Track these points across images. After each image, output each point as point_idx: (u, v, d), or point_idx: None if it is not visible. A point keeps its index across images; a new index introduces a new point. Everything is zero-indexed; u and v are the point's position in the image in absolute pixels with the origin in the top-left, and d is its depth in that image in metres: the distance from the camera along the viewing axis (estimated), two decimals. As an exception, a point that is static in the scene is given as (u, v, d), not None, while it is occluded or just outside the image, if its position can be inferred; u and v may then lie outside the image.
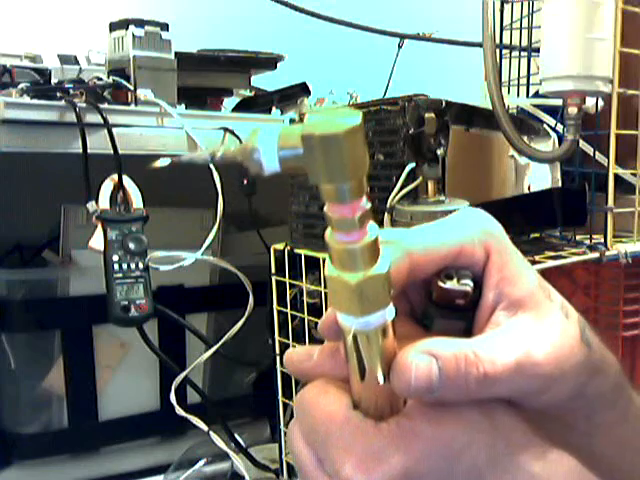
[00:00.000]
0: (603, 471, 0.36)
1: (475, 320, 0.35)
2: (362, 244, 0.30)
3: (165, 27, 1.07)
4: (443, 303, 0.35)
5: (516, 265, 0.36)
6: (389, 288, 0.31)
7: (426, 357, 0.32)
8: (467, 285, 0.35)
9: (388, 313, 0.31)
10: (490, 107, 0.80)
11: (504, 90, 0.95)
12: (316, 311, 0.84)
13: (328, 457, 0.32)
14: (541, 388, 0.34)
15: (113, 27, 1.07)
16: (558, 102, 0.89)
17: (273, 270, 0.88)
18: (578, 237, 0.86)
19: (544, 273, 0.85)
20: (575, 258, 0.77)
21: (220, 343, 0.95)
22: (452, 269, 0.35)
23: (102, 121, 0.90)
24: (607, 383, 0.38)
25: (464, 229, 0.36)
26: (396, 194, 0.70)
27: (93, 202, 0.88)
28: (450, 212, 0.59)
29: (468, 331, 0.35)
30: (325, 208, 0.30)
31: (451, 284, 0.35)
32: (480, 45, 0.83)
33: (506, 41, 1.02)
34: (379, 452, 0.31)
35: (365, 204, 0.29)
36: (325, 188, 0.29)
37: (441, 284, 0.35)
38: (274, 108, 1.30)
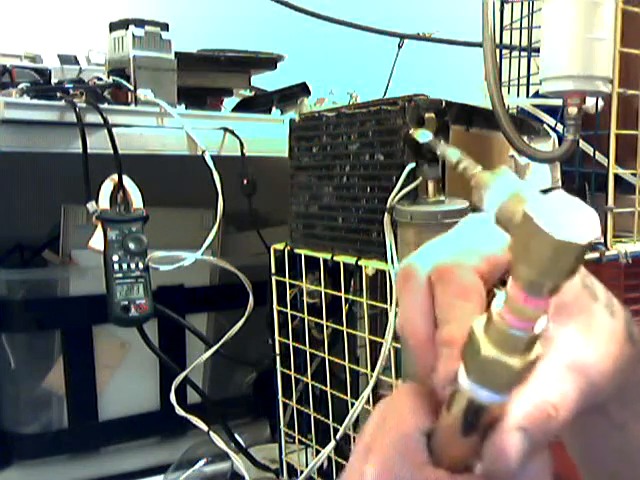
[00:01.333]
0: (637, 461, 0.36)
1: None
2: (531, 335, 0.29)
3: (165, 27, 1.07)
4: None
5: None
6: (521, 379, 0.30)
7: (517, 436, 0.30)
8: None
9: (509, 398, 0.30)
10: (490, 107, 0.80)
11: (504, 90, 0.95)
12: (316, 311, 0.84)
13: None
14: (594, 399, 0.34)
15: (113, 27, 1.07)
16: (558, 102, 0.89)
17: (273, 270, 0.88)
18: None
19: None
20: (575, 258, 0.77)
21: (220, 343, 0.95)
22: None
23: (102, 121, 0.90)
24: None
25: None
26: (396, 194, 0.70)
27: (93, 202, 0.88)
28: (450, 212, 0.59)
29: None
30: (509, 285, 0.28)
31: None
32: (480, 45, 0.83)
33: (506, 41, 1.02)
34: None
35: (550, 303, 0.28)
36: (524, 272, 0.27)
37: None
38: (274, 108, 1.30)
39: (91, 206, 0.88)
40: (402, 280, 0.35)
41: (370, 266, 0.75)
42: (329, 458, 0.84)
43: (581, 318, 0.34)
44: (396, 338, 0.71)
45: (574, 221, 0.26)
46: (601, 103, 0.82)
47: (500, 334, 0.29)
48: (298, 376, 0.89)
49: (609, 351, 0.34)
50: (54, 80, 1.11)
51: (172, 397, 0.93)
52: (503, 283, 0.34)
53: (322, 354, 0.85)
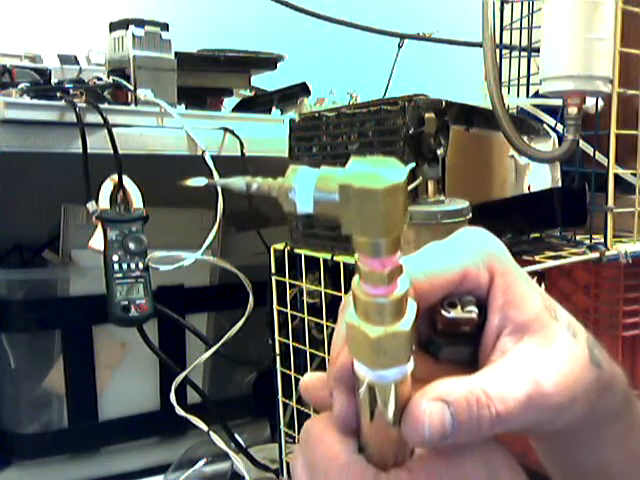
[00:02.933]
0: None
1: (481, 344, 0.35)
2: (389, 299, 0.29)
3: (165, 27, 1.07)
4: (448, 331, 0.34)
5: (521, 287, 0.35)
6: (411, 345, 0.30)
7: (438, 404, 0.31)
8: (472, 312, 0.34)
9: (407, 368, 0.31)
10: (490, 107, 0.80)
11: (504, 90, 0.95)
12: (316, 311, 0.84)
13: None
14: (553, 417, 0.33)
15: (113, 27, 1.07)
16: (558, 102, 0.89)
17: (273, 270, 0.88)
18: (578, 237, 0.86)
19: (544, 273, 0.85)
20: (575, 258, 0.77)
21: (220, 343, 0.95)
22: (455, 296, 0.34)
23: (102, 121, 0.90)
24: (616, 398, 0.37)
25: (466, 252, 0.35)
26: (396, 194, 0.69)
27: (93, 202, 0.88)
28: (450, 212, 0.59)
29: (474, 354, 0.35)
30: (355, 256, 0.29)
31: (455, 313, 0.34)
32: (480, 45, 0.83)
33: (506, 41, 1.02)
34: None
35: (397, 259, 0.29)
36: (358, 240, 0.28)
37: (445, 314, 0.34)
38: (274, 108, 1.30)
39: (91, 206, 0.88)
40: (340, 307, 0.35)
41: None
42: (329, 458, 0.84)
43: (541, 335, 0.34)
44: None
45: (374, 171, 0.27)
46: (601, 103, 0.82)
47: (367, 308, 0.29)
48: (298, 376, 0.89)
49: (569, 370, 0.33)
50: (54, 80, 1.11)
51: (172, 397, 0.93)
52: (450, 304, 0.34)
53: (322, 354, 0.85)
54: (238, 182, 0.31)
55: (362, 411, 0.32)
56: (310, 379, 0.36)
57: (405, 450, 0.33)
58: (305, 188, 0.28)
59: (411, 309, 0.30)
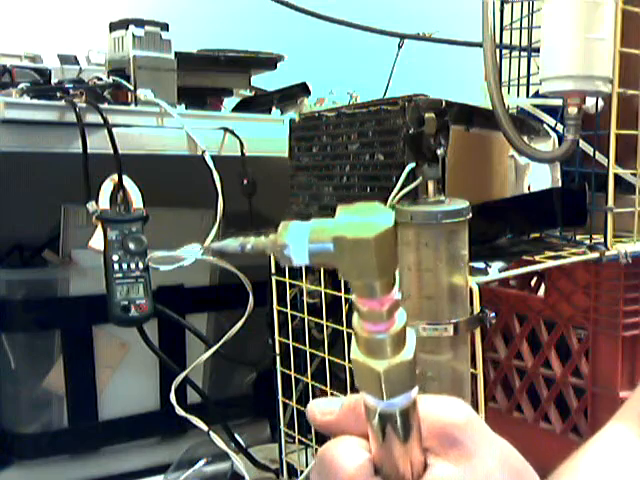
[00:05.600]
0: None
1: None
2: (389, 334, 0.30)
3: (165, 27, 1.07)
4: None
5: None
6: (414, 371, 0.32)
7: None
8: None
9: (413, 393, 0.32)
10: (490, 107, 0.80)
11: (504, 90, 0.95)
12: (316, 311, 0.84)
13: None
14: None
15: (113, 27, 1.07)
16: (558, 102, 0.89)
17: (273, 270, 0.88)
18: (578, 237, 0.86)
19: (544, 273, 0.85)
20: (575, 258, 0.77)
21: (220, 343, 0.95)
22: None
23: (102, 121, 0.90)
24: None
25: None
26: (396, 194, 0.70)
27: (93, 202, 0.88)
28: (450, 212, 0.59)
29: None
30: (353, 297, 0.30)
31: None
32: (480, 45, 0.83)
33: (506, 41, 1.02)
34: None
35: (393, 295, 0.30)
36: (354, 284, 0.29)
37: None
38: (274, 108, 1.30)
39: (91, 206, 0.88)
40: None
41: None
42: (329, 458, 0.84)
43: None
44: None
45: (363, 220, 0.28)
46: (601, 103, 0.82)
47: (369, 344, 0.31)
48: (298, 376, 0.89)
49: None
50: (54, 80, 1.11)
51: (172, 397, 0.93)
52: None
53: (322, 354, 0.85)
54: (232, 244, 0.31)
55: (375, 436, 0.33)
56: (316, 405, 0.37)
57: (419, 467, 0.34)
58: (299, 243, 0.29)
59: (411, 337, 0.32)
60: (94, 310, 0.95)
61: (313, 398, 0.88)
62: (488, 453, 0.34)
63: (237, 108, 1.30)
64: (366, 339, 0.31)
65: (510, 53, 1.04)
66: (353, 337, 0.32)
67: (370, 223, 0.28)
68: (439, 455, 0.34)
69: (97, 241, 0.87)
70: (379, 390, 0.31)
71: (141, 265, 0.88)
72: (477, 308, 0.64)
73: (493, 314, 0.65)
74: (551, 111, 0.97)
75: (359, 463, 0.34)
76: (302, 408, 0.90)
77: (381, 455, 0.34)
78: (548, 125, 0.97)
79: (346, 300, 0.81)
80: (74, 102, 0.90)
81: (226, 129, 1.02)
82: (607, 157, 0.80)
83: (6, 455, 1.00)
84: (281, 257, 0.29)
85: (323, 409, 0.37)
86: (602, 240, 0.80)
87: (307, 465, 0.89)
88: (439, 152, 0.67)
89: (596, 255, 0.78)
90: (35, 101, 0.91)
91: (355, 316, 0.31)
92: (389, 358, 0.31)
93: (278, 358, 0.91)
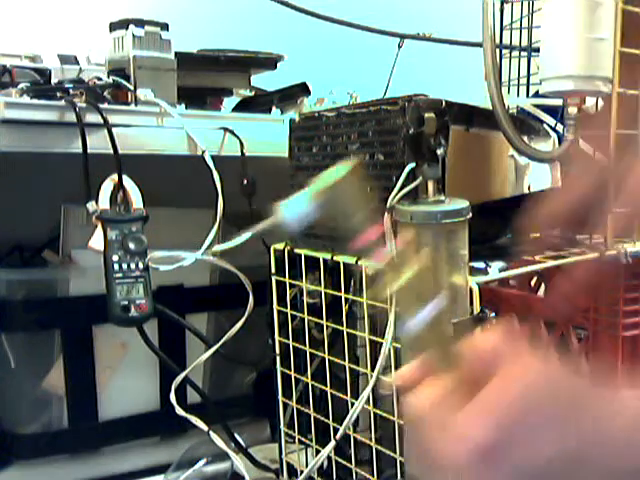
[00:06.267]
0: None
1: None
2: (390, 260, 0.38)
3: (165, 27, 1.07)
4: None
5: None
6: (431, 282, 0.38)
7: None
8: None
9: (440, 302, 0.39)
10: (490, 107, 0.80)
11: (504, 90, 0.95)
12: (316, 311, 0.84)
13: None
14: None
15: (113, 27, 1.07)
16: (558, 102, 0.89)
17: (273, 270, 0.88)
18: (578, 237, 0.86)
19: (544, 273, 0.85)
20: (575, 258, 0.77)
21: (220, 343, 0.95)
22: None
23: (102, 121, 0.90)
24: None
25: None
26: (396, 194, 0.70)
27: (93, 202, 0.88)
28: (450, 212, 0.59)
29: None
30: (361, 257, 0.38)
31: None
32: (480, 45, 0.83)
33: (506, 41, 1.02)
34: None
35: (377, 229, 0.37)
36: (347, 226, 0.37)
37: None
38: (274, 108, 1.30)
39: (91, 206, 0.88)
40: None
41: (370, 266, 0.75)
42: (329, 458, 0.84)
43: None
44: (396, 338, 0.71)
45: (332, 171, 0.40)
46: (601, 103, 0.82)
47: (379, 275, 0.39)
48: (298, 376, 0.89)
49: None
50: (54, 80, 1.11)
51: (172, 397, 0.93)
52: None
53: (322, 354, 0.85)
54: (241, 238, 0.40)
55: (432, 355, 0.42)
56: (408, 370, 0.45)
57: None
58: (293, 210, 0.39)
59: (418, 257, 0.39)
60: (94, 310, 0.95)
61: (313, 398, 0.88)
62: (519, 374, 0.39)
63: (237, 108, 1.30)
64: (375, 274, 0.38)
65: (510, 53, 1.04)
66: (373, 284, 0.40)
67: (329, 176, 0.36)
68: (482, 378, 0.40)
69: (97, 241, 0.87)
70: (411, 306, 0.38)
71: (141, 265, 0.88)
72: (477, 308, 0.64)
73: (493, 314, 0.65)
74: (551, 111, 0.97)
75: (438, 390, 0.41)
76: (302, 408, 0.90)
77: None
78: (548, 125, 0.97)
79: (346, 300, 0.81)
80: (74, 102, 0.90)
81: (226, 129, 1.02)
82: (607, 157, 0.80)
83: (6, 455, 1.00)
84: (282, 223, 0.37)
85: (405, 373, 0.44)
86: (602, 240, 0.80)
87: (307, 465, 0.89)
88: (439, 152, 0.67)
89: (596, 255, 0.78)
90: (35, 101, 0.91)
91: (363, 262, 0.39)
92: (405, 274, 0.37)
93: (278, 358, 0.91)
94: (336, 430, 0.80)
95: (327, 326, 0.83)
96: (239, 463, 0.95)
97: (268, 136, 1.05)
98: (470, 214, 0.60)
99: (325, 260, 0.81)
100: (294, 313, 0.87)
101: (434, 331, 0.39)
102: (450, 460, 0.39)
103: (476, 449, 0.39)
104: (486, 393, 0.40)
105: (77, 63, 1.25)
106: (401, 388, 0.44)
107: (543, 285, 0.89)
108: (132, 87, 1.02)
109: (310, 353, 0.86)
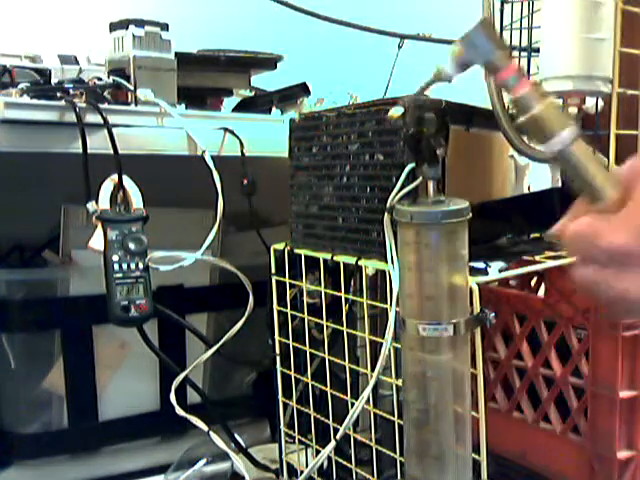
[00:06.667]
0: None
1: None
2: (529, 88, 0.47)
3: (165, 27, 1.07)
4: None
5: None
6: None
7: None
8: None
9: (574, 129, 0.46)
10: (490, 107, 0.80)
11: (504, 90, 0.95)
12: (316, 311, 0.84)
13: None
14: None
15: (113, 27, 1.07)
16: (558, 102, 0.89)
17: (273, 270, 0.88)
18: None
19: (544, 273, 0.85)
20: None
21: (220, 343, 0.95)
22: None
23: (102, 121, 0.90)
24: None
25: None
26: (396, 194, 0.70)
27: (93, 202, 0.88)
28: (450, 212, 0.59)
29: None
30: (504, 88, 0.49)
31: None
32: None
33: (506, 41, 1.02)
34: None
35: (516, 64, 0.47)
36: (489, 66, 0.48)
37: None
38: (274, 108, 1.30)
39: (91, 206, 0.88)
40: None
41: (370, 266, 0.75)
42: (329, 458, 0.84)
43: None
44: (396, 338, 0.71)
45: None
46: (601, 103, 0.82)
47: (521, 103, 0.49)
48: (298, 376, 0.89)
49: None
50: (54, 80, 1.11)
51: (172, 397, 0.93)
52: None
53: (322, 354, 0.85)
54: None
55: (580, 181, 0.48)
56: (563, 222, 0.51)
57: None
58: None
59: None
60: (94, 310, 0.95)
61: (313, 398, 0.88)
62: None
63: (237, 108, 1.30)
64: (519, 100, 0.47)
65: (510, 53, 1.04)
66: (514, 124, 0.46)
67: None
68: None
69: (97, 241, 0.87)
70: (548, 129, 0.46)
71: (141, 265, 0.88)
72: (477, 308, 0.64)
73: (493, 314, 0.65)
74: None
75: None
76: (302, 408, 0.90)
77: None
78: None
79: (346, 300, 0.81)
80: (74, 102, 0.90)
81: (226, 129, 1.02)
82: (607, 157, 0.80)
83: (6, 455, 1.00)
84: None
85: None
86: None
87: (307, 465, 0.89)
88: (439, 152, 0.67)
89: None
90: (35, 101, 0.91)
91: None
92: (541, 102, 0.46)
93: (278, 358, 0.91)
94: (336, 430, 0.80)
95: (327, 326, 0.83)
96: (239, 463, 0.95)
97: (268, 136, 1.05)
98: (470, 214, 0.60)
99: (325, 260, 0.81)
100: (294, 313, 0.87)
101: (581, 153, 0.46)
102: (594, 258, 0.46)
103: (617, 249, 0.45)
104: (630, 207, 0.46)
105: (77, 63, 1.25)
106: (559, 235, 0.50)
107: (543, 285, 0.89)
108: (132, 87, 1.02)
109: (310, 353, 0.86)
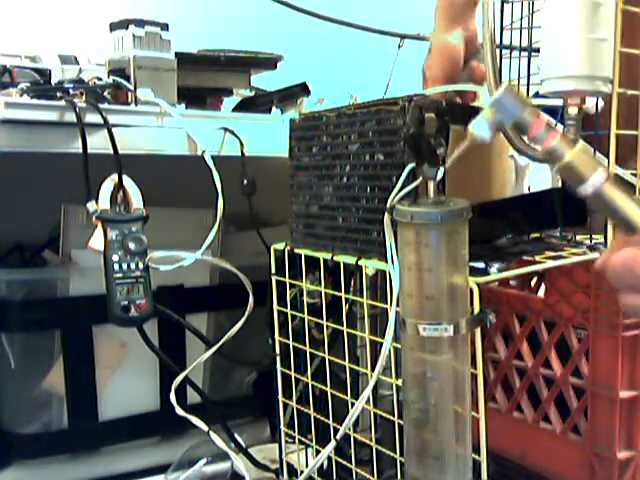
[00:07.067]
0: None
1: None
2: (559, 137, 0.51)
3: (165, 27, 1.07)
4: None
5: None
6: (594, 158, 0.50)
7: None
8: None
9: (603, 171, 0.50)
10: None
11: (504, 90, 0.95)
12: (316, 311, 0.84)
13: None
14: None
15: (113, 27, 1.07)
16: (558, 102, 0.89)
17: (273, 270, 0.88)
18: (578, 237, 0.86)
19: (544, 273, 0.85)
20: (575, 258, 0.77)
21: (220, 343, 0.95)
22: None
23: (102, 121, 0.90)
24: None
25: None
26: (396, 194, 0.70)
27: (93, 202, 0.88)
28: (450, 212, 0.59)
29: None
30: (533, 146, 0.53)
31: None
32: (480, 45, 0.83)
33: (506, 41, 1.02)
34: None
35: (544, 117, 0.51)
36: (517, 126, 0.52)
37: None
38: (274, 108, 1.31)
39: (91, 206, 0.88)
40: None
41: (370, 266, 0.75)
42: (329, 458, 0.84)
43: None
44: (396, 338, 0.71)
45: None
46: (601, 103, 0.82)
47: (552, 154, 0.52)
48: (298, 376, 0.89)
49: None
50: (54, 80, 1.11)
51: (172, 397, 0.93)
52: None
53: (322, 354, 0.85)
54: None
55: (614, 218, 0.52)
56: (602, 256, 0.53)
57: None
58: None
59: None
60: (94, 310, 0.95)
61: (313, 398, 0.88)
62: None
63: (237, 108, 1.30)
64: (550, 152, 0.51)
65: (510, 53, 1.04)
66: (556, 166, 0.52)
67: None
68: None
69: (97, 241, 0.87)
70: (580, 174, 0.49)
71: (141, 265, 0.88)
72: (477, 308, 0.64)
73: (493, 314, 0.65)
74: (551, 111, 0.97)
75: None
76: (302, 408, 0.90)
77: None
78: (548, 125, 0.97)
79: (346, 300, 0.81)
80: (74, 102, 0.90)
81: (226, 129, 1.02)
82: (607, 157, 0.80)
83: (6, 455, 1.00)
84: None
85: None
86: (602, 240, 0.80)
87: (307, 465, 0.89)
88: (439, 152, 0.67)
89: (596, 255, 0.77)
90: (35, 101, 0.91)
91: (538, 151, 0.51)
92: (570, 150, 0.49)
93: (278, 358, 0.91)
94: (336, 430, 0.80)
95: (327, 326, 0.83)
96: (239, 463, 0.95)
97: (268, 136, 1.05)
98: (470, 214, 0.60)
99: (325, 260, 0.81)
100: (294, 313, 0.87)
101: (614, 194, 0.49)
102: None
103: None
104: None
105: (77, 63, 1.25)
106: (599, 269, 0.53)
107: (543, 285, 0.89)
108: (132, 87, 1.02)
109: (310, 353, 0.86)
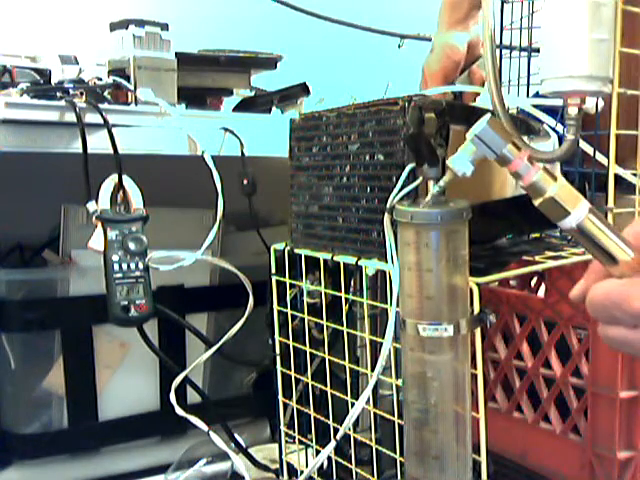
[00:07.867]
0: None
1: None
2: (540, 173, 0.51)
3: (165, 27, 1.07)
4: None
5: None
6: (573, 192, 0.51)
7: None
8: None
9: (585, 204, 0.50)
10: (490, 107, 0.80)
11: (504, 90, 0.95)
12: (316, 311, 0.84)
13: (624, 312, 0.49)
14: None
15: (113, 27, 1.07)
16: (558, 102, 0.89)
17: (273, 270, 0.88)
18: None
19: (544, 273, 0.85)
20: (575, 258, 0.77)
21: (220, 343, 0.95)
22: None
23: (102, 121, 0.90)
24: None
25: None
26: (396, 194, 0.70)
27: (93, 202, 0.88)
28: (450, 212, 0.59)
29: None
30: (515, 178, 0.53)
31: None
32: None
33: (506, 41, 1.02)
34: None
35: (526, 151, 0.52)
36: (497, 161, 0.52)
37: None
38: (274, 108, 1.31)
39: (91, 206, 0.88)
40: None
41: (370, 266, 0.75)
42: (329, 458, 0.84)
43: None
44: (396, 338, 0.71)
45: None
46: (601, 103, 0.82)
47: (534, 187, 0.53)
48: (298, 376, 0.89)
49: None
50: (54, 80, 1.11)
51: (172, 397, 0.93)
52: None
53: (322, 354, 0.85)
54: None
55: (594, 253, 0.51)
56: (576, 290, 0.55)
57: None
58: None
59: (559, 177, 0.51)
60: (94, 310, 0.95)
61: (313, 398, 0.88)
62: None
63: (237, 108, 1.30)
64: (531, 186, 0.51)
65: (510, 53, 1.04)
66: (537, 198, 0.52)
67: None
68: None
69: (97, 241, 0.87)
70: (562, 209, 0.50)
71: (141, 265, 0.88)
72: (477, 308, 0.64)
73: (493, 314, 0.65)
74: (551, 111, 0.97)
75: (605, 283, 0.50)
76: (302, 408, 0.90)
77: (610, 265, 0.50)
78: (548, 125, 0.97)
79: (346, 300, 0.81)
80: (74, 102, 0.90)
81: (226, 129, 1.02)
82: (607, 157, 0.80)
83: (6, 455, 1.00)
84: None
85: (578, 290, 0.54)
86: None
87: (307, 465, 0.89)
88: (439, 152, 0.67)
89: (596, 255, 0.77)
90: (35, 101, 0.91)
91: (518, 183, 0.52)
92: (552, 185, 0.50)
93: (278, 358, 0.91)
94: (336, 430, 0.80)
95: (327, 326, 0.83)
96: (239, 463, 0.95)
97: (268, 136, 1.05)
98: (470, 214, 0.60)
99: (325, 260, 0.81)
100: (294, 313, 0.87)
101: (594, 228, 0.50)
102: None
103: None
104: None
105: (77, 63, 1.25)
106: (577, 299, 0.54)
107: (543, 285, 0.89)
108: (132, 87, 1.02)
109: (310, 353, 0.86)
